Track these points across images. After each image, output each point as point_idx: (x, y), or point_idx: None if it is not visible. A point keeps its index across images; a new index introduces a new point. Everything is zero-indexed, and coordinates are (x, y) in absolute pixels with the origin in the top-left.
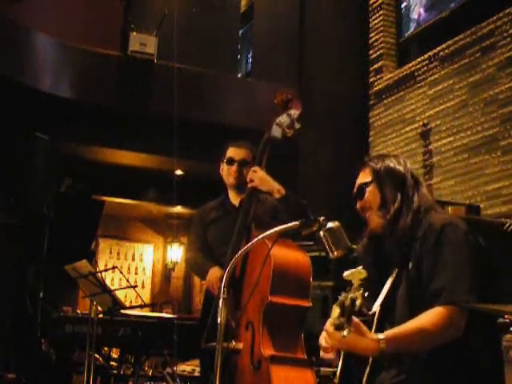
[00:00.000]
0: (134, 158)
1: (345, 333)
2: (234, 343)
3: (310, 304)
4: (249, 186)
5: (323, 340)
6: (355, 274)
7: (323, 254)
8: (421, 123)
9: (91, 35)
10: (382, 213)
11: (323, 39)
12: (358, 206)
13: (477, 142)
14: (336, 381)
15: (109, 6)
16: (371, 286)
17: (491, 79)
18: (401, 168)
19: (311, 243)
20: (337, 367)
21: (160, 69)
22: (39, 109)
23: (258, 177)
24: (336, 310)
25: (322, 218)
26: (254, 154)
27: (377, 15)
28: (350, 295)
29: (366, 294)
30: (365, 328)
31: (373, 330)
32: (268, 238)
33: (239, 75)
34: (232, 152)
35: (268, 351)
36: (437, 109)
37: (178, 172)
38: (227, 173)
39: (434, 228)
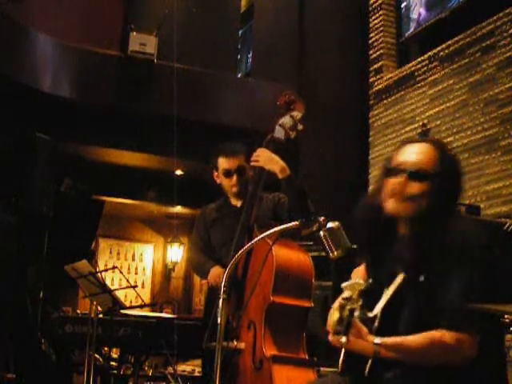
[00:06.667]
0: (134, 157)
1: (342, 340)
2: (235, 343)
3: (312, 304)
4: (254, 164)
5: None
6: (354, 285)
7: (323, 254)
8: (420, 123)
9: (91, 35)
10: (420, 212)
11: (323, 39)
12: (400, 181)
13: (477, 141)
14: (339, 369)
15: (109, 6)
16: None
17: (491, 79)
18: (459, 176)
19: (311, 243)
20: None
21: (160, 69)
22: (39, 109)
23: (264, 156)
24: (335, 314)
25: (322, 218)
26: (246, 152)
27: (377, 15)
28: (349, 306)
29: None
30: (364, 330)
31: (373, 333)
32: (269, 237)
33: (239, 75)
34: (226, 163)
35: (270, 351)
36: (437, 109)
37: (178, 172)
38: (228, 185)
39: (454, 244)
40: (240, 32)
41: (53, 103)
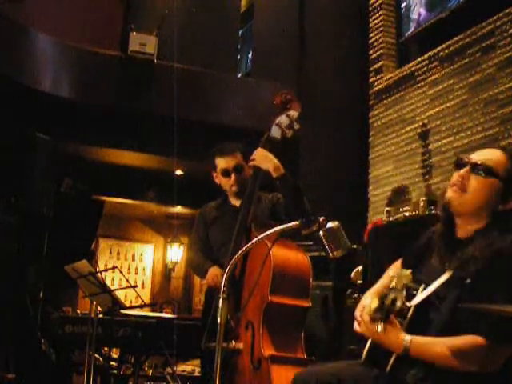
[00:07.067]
0: (134, 157)
1: (378, 328)
2: (234, 343)
3: (310, 304)
4: (250, 164)
5: (357, 313)
6: (401, 276)
7: (323, 253)
8: (421, 123)
9: (91, 35)
10: (473, 211)
11: (323, 39)
12: (462, 173)
13: (477, 142)
14: (362, 360)
15: (109, 5)
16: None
17: (491, 79)
18: None
19: (311, 243)
20: (365, 345)
21: (160, 69)
22: (39, 109)
23: (259, 155)
24: (375, 301)
25: (322, 218)
26: (243, 150)
27: (377, 15)
28: (392, 295)
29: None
30: (397, 325)
31: (404, 326)
32: (268, 237)
33: (239, 75)
34: (223, 163)
35: (268, 351)
36: (437, 109)
37: (178, 172)
38: (227, 184)
39: (507, 254)
40: (240, 32)
41: (53, 103)
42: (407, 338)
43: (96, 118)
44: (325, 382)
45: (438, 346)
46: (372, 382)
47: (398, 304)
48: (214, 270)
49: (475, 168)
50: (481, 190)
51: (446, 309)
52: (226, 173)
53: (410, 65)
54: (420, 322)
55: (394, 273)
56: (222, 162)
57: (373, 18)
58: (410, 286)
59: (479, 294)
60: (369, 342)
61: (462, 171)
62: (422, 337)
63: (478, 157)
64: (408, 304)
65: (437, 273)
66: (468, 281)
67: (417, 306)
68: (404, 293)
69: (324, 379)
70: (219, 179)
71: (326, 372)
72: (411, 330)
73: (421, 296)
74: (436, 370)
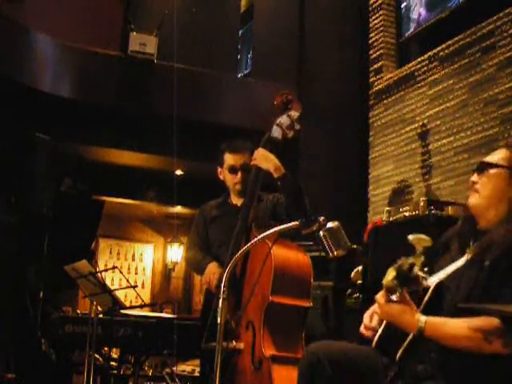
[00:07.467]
0: (134, 157)
1: (394, 297)
2: (234, 343)
3: (311, 304)
4: (252, 164)
5: (367, 318)
6: (420, 240)
7: (323, 253)
8: (421, 123)
9: (91, 35)
10: (489, 205)
11: (323, 39)
12: (473, 178)
13: (477, 141)
14: (373, 346)
15: (109, 6)
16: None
17: (491, 79)
18: None
19: (311, 243)
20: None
21: (160, 69)
22: (39, 109)
23: (259, 155)
24: (391, 273)
25: (322, 218)
26: (252, 150)
27: (377, 15)
28: (410, 260)
29: (425, 268)
30: (413, 305)
31: (421, 308)
32: (268, 237)
33: (239, 75)
34: (232, 160)
35: (269, 351)
36: (437, 109)
37: (178, 172)
38: (232, 181)
39: None
40: (240, 32)
41: (53, 103)
42: (422, 318)
43: (96, 117)
44: (334, 359)
45: (455, 326)
46: (382, 369)
47: (416, 269)
48: (211, 268)
49: (481, 167)
50: (492, 184)
51: (461, 291)
52: (232, 170)
53: (410, 65)
54: (435, 303)
55: (413, 237)
56: (230, 159)
57: (373, 18)
58: (422, 275)
59: (498, 276)
60: (380, 330)
61: (473, 176)
62: (437, 317)
63: (485, 159)
64: (424, 283)
65: (454, 261)
66: (487, 263)
67: (436, 288)
68: (422, 259)
69: (333, 356)
70: (224, 175)
71: (335, 349)
72: (426, 311)
73: (437, 278)
74: (446, 367)
